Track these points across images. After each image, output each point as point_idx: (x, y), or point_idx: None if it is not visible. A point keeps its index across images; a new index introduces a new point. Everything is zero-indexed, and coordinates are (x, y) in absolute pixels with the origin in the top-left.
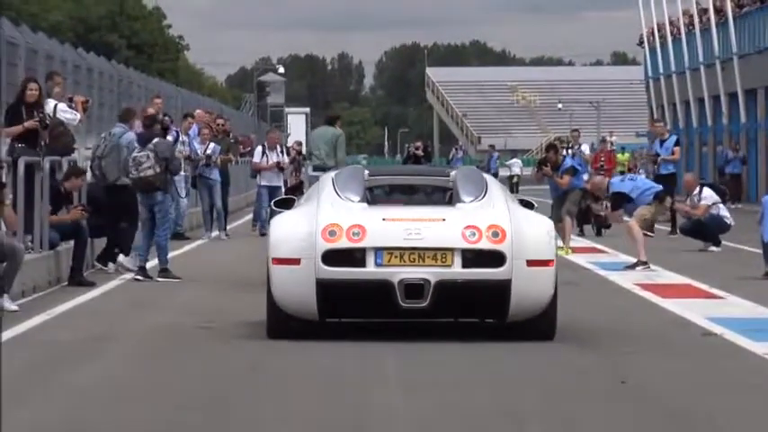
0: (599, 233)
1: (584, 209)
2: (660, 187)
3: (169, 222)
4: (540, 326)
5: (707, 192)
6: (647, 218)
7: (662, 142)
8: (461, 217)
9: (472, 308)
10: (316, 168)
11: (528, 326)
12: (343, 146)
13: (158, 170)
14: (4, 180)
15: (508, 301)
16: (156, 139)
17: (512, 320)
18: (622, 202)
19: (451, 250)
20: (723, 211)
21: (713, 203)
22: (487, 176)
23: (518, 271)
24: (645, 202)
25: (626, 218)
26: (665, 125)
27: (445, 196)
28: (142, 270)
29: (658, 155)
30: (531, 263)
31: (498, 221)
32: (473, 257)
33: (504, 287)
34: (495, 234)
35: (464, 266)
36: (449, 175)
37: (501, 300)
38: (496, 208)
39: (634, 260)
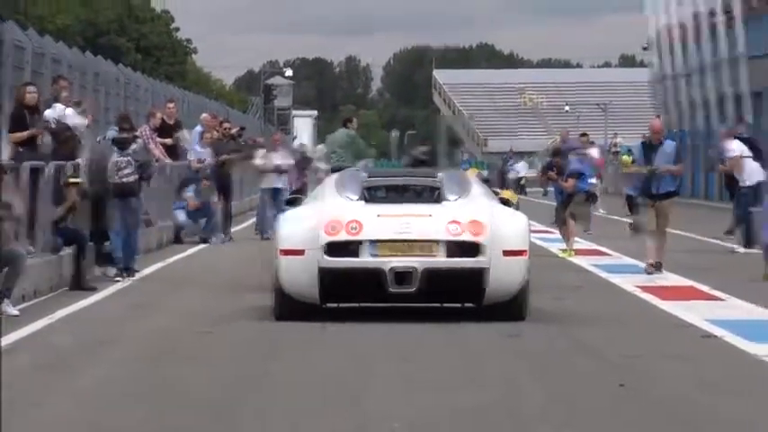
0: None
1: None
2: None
3: (140, 226)
4: (513, 309)
5: (734, 144)
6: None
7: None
8: (446, 213)
9: (454, 293)
10: (333, 170)
11: (502, 309)
12: (360, 141)
13: (137, 176)
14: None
15: (485, 287)
16: (134, 145)
17: (488, 304)
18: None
19: (436, 242)
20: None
21: (742, 156)
22: (471, 177)
23: (495, 260)
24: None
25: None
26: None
27: (433, 195)
28: (120, 271)
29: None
30: (506, 253)
31: (478, 217)
32: (455, 248)
33: (481, 274)
34: (475, 228)
35: (447, 256)
36: (437, 177)
37: (479, 285)
38: (477, 205)
39: (644, 263)
